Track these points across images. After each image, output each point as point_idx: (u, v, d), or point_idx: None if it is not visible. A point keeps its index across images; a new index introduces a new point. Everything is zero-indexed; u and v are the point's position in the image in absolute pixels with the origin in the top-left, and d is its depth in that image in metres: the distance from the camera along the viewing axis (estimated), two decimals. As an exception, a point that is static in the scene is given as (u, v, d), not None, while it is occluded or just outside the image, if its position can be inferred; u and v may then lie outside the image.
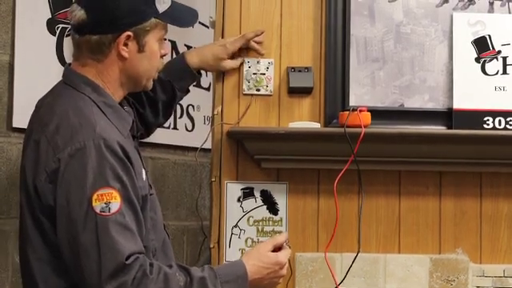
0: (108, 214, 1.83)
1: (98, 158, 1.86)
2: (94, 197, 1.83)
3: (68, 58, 2.85)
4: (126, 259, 1.82)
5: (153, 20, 2.03)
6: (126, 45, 2.01)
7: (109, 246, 1.82)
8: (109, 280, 1.81)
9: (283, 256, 2.12)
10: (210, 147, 2.65)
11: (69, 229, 1.86)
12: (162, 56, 2.11)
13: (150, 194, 2.05)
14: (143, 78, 2.07)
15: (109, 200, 1.83)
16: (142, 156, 2.13)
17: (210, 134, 2.61)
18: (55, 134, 1.91)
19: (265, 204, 2.57)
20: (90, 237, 1.83)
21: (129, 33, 2.00)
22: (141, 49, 2.03)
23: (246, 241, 2.56)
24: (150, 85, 2.13)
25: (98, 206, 1.83)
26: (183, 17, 2.12)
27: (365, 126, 2.43)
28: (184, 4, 2.16)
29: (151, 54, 2.05)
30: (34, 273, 1.94)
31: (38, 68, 2.75)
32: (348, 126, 2.44)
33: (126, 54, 2.01)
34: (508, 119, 2.56)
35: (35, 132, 1.97)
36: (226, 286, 1.94)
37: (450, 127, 2.57)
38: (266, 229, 2.57)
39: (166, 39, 2.14)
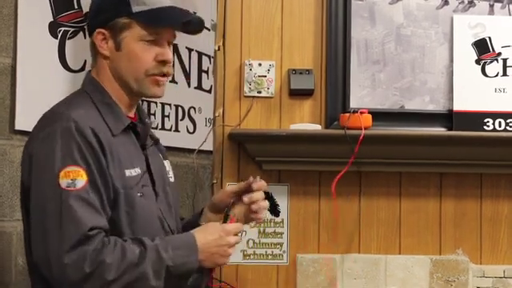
0: (73, 189, 1.90)
1: (67, 138, 1.93)
2: (62, 174, 1.90)
3: (70, 60, 2.86)
4: (89, 230, 1.88)
5: (125, 19, 2.06)
6: (106, 43, 2.08)
7: (71, 218, 1.88)
8: (70, 251, 1.86)
9: (229, 225, 2.12)
10: (212, 149, 2.66)
11: (37, 204, 1.94)
12: (159, 61, 2.10)
13: (133, 189, 2.07)
14: (128, 78, 2.10)
15: (75, 177, 1.91)
16: (150, 161, 2.16)
17: (210, 136, 2.63)
18: (39, 122, 2.03)
19: (266, 205, 2.58)
20: (54, 211, 1.89)
21: (100, 30, 2.07)
22: (117, 47, 2.08)
23: (247, 242, 2.58)
24: (149, 90, 2.12)
25: (64, 181, 1.90)
26: (164, 17, 2.09)
27: (365, 128, 2.45)
28: (183, 9, 2.14)
29: (129, 53, 2.08)
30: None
31: (40, 71, 2.76)
32: (349, 128, 2.46)
33: (105, 52, 2.08)
34: (508, 121, 2.58)
35: None
36: (177, 251, 1.98)
37: (450, 129, 2.58)
38: (268, 230, 2.59)
39: (171, 44, 2.13)
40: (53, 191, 1.90)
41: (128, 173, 2.04)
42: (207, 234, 2.05)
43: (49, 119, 2.01)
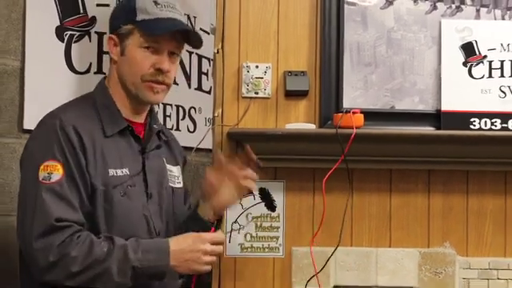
0: (47, 182, 2.04)
1: (50, 135, 2.08)
2: (41, 167, 2.05)
3: (76, 63, 2.91)
4: (56, 221, 2.01)
5: (129, 26, 2.20)
6: (116, 49, 2.23)
7: (41, 209, 2.02)
8: (38, 239, 2.00)
9: (206, 234, 2.18)
10: (211, 147, 2.72)
11: (20, 194, 2.11)
12: (156, 69, 2.19)
13: (115, 188, 2.16)
14: (127, 82, 2.22)
15: (52, 171, 2.05)
16: (146, 163, 2.25)
17: (209, 135, 2.68)
18: (38, 122, 2.19)
19: (263, 201, 2.63)
20: (30, 201, 2.04)
21: (112, 36, 2.22)
22: (122, 52, 2.22)
23: (245, 236, 2.63)
24: (145, 96, 2.22)
25: (41, 174, 2.05)
26: (158, 26, 2.19)
27: (357, 127, 2.50)
28: (181, 21, 2.24)
29: (131, 59, 2.20)
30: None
31: (47, 73, 2.77)
32: (342, 127, 2.51)
33: (114, 57, 2.23)
34: (493, 120, 2.63)
35: None
36: (147, 254, 2.06)
37: (438, 128, 2.64)
38: (264, 224, 2.64)
39: (174, 53, 2.24)
40: (32, 183, 2.05)
41: (112, 172, 2.14)
42: (182, 241, 2.12)
43: (43, 120, 2.16)
